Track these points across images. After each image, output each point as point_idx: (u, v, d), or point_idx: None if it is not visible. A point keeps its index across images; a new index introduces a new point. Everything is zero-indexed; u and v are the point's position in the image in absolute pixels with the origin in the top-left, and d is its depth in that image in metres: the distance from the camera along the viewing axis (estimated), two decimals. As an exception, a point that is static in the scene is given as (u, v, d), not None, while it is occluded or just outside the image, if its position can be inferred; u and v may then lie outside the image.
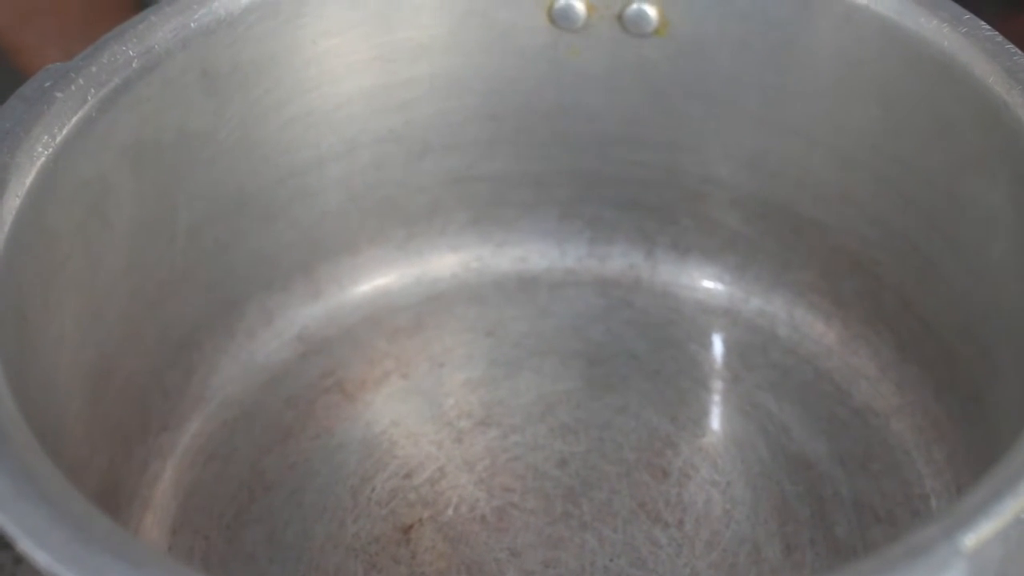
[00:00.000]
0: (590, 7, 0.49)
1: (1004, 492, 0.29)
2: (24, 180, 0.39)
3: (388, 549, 0.46)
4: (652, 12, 0.48)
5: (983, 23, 0.42)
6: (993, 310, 0.43)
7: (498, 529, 0.47)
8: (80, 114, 0.42)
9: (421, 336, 0.53)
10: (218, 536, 0.47)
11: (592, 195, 0.54)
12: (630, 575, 0.45)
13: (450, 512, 0.47)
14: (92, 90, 0.42)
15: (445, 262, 0.55)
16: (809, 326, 0.52)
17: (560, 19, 0.49)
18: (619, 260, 0.55)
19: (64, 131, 0.41)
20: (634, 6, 0.48)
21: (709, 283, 0.54)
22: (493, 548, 0.46)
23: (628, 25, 0.49)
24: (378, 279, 0.54)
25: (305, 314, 0.53)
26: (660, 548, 0.46)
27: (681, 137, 0.51)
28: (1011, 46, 0.41)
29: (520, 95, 0.51)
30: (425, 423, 0.50)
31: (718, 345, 0.52)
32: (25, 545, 0.30)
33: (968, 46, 0.42)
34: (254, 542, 0.47)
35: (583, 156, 0.53)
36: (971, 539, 0.29)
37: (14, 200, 0.39)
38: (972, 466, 0.45)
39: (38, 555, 0.29)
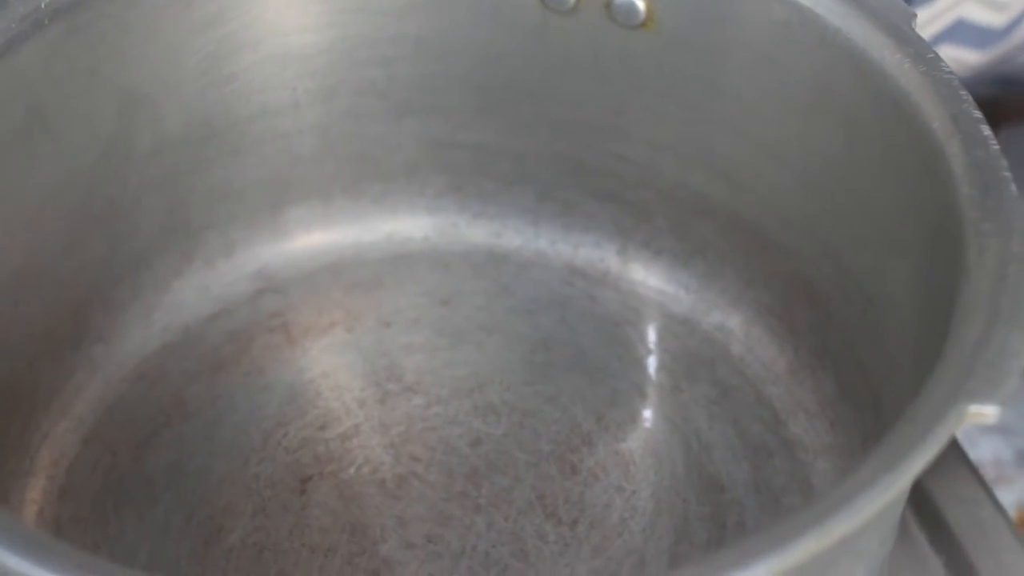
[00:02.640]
0: (580, -10, 0.48)
1: (810, 528, 0.29)
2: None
3: (281, 496, 0.46)
4: (640, 5, 0.47)
5: (944, 64, 0.40)
6: (907, 363, 0.41)
7: (393, 496, 0.46)
8: (30, 20, 0.42)
9: (377, 293, 0.53)
10: (126, 454, 0.48)
11: (572, 181, 0.53)
12: (508, 565, 0.45)
13: (352, 471, 0.47)
14: (47, -1, 0.43)
15: (419, 223, 0.54)
16: (763, 348, 0.50)
17: (550, -1, 0.48)
18: (591, 250, 0.54)
19: (9, 35, 0.42)
20: (623, -5, 0.47)
21: (674, 289, 0.52)
22: (383, 513, 0.46)
23: (616, 14, 0.48)
24: (348, 229, 0.54)
25: (268, 252, 0.53)
26: (546, 544, 0.45)
27: (660, 136, 0.50)
28: (965, 92, 0.39)
29: (507, 69, 0.51)
30: (354, 379, 0.50)
31: (668, 353, 0.51)
32: None
33: (923, 86, 0.40)
34: (156, 467, 0.47)
35: (567, 140, 0.52)
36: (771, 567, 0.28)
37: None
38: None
39: None
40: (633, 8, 0.47)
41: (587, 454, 0.48)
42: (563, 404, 0.49)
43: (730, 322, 0.51)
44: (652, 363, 0.51)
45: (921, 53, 0.41)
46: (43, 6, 0.43)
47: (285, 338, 0.51)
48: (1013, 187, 0.36)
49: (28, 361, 0.46)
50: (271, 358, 0.51)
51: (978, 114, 0.39)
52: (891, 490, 0.31)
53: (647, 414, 0.49)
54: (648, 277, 0.53)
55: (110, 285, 0.49)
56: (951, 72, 0.40)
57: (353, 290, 0.53)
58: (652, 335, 0.52)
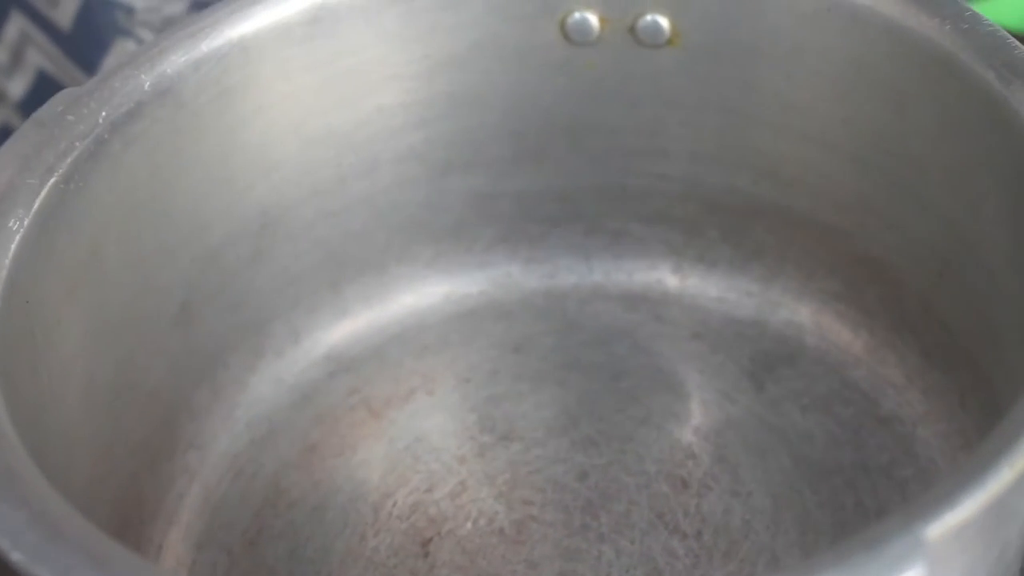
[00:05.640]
0: (603, 20, 0.49)
1: (969, 484, 0.29)
2: (33, 202, 0.40)
3: (407, 562, 0.46)
4: (664, 23, 0.48)
5: (985, 18, 0.41)
6: (1006, 310, 0.42)
7: (516, 542, 0.47)
8: (92, 137, 0.43)
9: (448, 353, 0.53)
10: (241, 551, 0.47)
11: (617, 209, 0.54)
12: (646, 586, 0.45)
13: (469, 525, 0.47)
14: (104, 113, 0.43)
15: (473, 279, 0.55)
16: (836, 335, 0.51)
17: (574, 34, 0.49)
18: (646, 274, 0.54)
19: (75, 154, 0.42)
20: (647, 17, 0.48)
21: (737, 295, 0.53)
22: (510, 560, 0.46)
23: (641, 37, 0.49)
24: (406, 297, 0.54)
25: (333, 333, 0.53)
26: (677, 559, 0.45)
27: (700, 148, 0.51)
28: (1013, 40, 0.41)
29: (540, 111, 0.52)
30: (448, 438, 0.50)
31: (745, 357, 0.52)
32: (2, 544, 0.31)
33: (969, 43, 0.41)
34: (276, 557, 0.47)
35: (606, 170, 0.53)
36: (933, 531, 0.28)
37: (22, 222, 0.40)
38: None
39: (13, 555, 0.30)
40: (657, 27, 0.49)
41: (693, 467, 0.48)
42: (656, 423, 0.50)
43: (799, 316, 0.52)
44: (731, 369, 0.52)
45: (959, 13, 0.42)
46: (100, 120, 0.43)
47: (368, 413, 0.52)
48: (1087, 117, 0.37)
49: (131, 476, 0.46)
50: (360, 434, 0.51)
51: (1031, 58, 0.40)
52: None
53: (740, 417, 0.50)
54: (708, 288, 0.54)
55: (192, 389, 0.49)
56: (993, 25, 0.41)
57: (423, 354, 0.53)
58: (725, 343, 0.52)
